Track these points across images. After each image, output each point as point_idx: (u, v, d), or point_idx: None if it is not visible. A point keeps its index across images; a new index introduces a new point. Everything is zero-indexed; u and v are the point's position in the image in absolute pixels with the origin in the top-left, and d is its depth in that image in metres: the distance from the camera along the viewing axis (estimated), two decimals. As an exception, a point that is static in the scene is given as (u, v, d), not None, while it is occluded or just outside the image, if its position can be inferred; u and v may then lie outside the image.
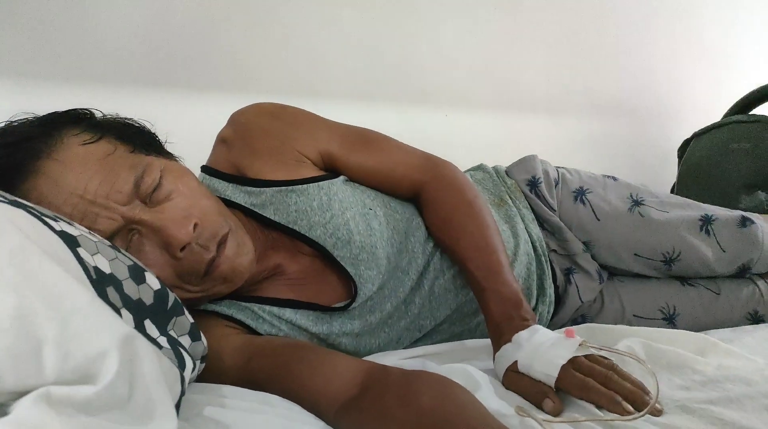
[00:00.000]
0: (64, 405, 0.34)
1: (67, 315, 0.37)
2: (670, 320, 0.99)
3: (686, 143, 1.75)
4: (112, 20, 1.20)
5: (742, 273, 1.00)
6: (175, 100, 1.27)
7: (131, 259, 0.56)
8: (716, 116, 1.76)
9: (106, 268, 0.51)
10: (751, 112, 1.72)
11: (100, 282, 0.49)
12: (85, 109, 0.72)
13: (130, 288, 0.53)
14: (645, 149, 1.97)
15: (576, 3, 1.82)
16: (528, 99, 1.75)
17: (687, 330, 0.96)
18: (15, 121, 0.68)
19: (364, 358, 0.77)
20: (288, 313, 0.78)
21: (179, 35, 1.27)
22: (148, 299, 0.54)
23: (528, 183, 1.04)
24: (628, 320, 0.99)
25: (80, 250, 0.50)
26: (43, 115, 0.69)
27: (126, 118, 0.75)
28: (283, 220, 0.80)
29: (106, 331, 0.38)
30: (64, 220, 0.54)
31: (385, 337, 0.83)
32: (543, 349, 0.67)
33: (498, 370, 0.71)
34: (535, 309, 0.95)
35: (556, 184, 1.05)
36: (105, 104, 0.77)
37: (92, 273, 0.49)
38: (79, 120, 0.69)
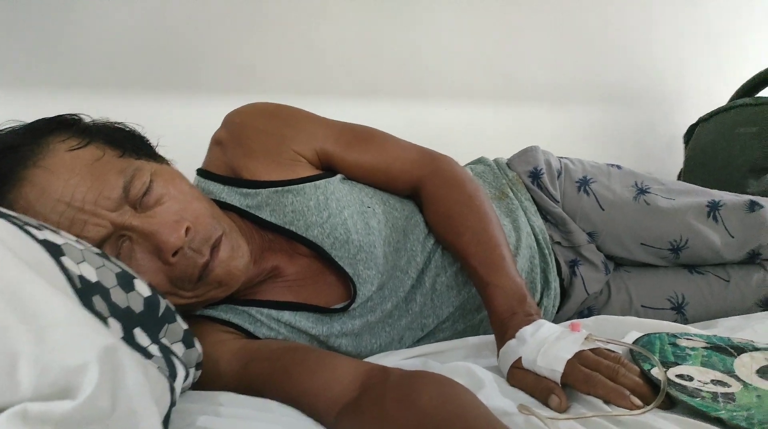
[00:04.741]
0: (42, 422, 0.33)
1: (44, 328, 0.36)
2: (678, 309, 0.97)
3: (692, 129, 1.72)
4: (103, 24, 1.19)
5: (752, 259, 0.98)
6: (170, 103, 1.26)
7: (119, 266, 0.55)
8: (722, 100, 1.73)
9: (92, 276, 0.50)
10: (757, 95, 1.69)
11: (86, 291, 0.48)
12: (73, 115, 0.71)
13: (118, 296, 0.51)
14: (650, 136, 1.94)
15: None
16: (529, 89, 1.72)
17: (697, 318, 0.95)
18: (1, 130, 0.67)
19: (365, 360, 0.75)
20: (287, 315, 0.77)
21: (173, 37, 1.26)
22: (138, 307, 0.53)
23: (530, 174, 1.02)
24: (636, 311, 0.97)
25: (64, 259, 0.48)
26: (30, 123, 0.68)
27: (116, 123, 0.74)
28: (280, 221, 0.79)
29: (87, 342, 0.37)
30: (49, 229, 0.53)
31: (386, 336, 0.81)
32: (548, 344, 0.66)
33: (502, 367, 0.69)
34: (540, 303, 0.93)
35: (559, 174, 1.03)
36: (99, 108, 0.76)
37: (77, 282, 0.47)
38: (66, 126, 0.68)
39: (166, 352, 0.53)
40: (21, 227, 0.48)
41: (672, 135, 1.85)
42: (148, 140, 0.76)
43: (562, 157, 1.07)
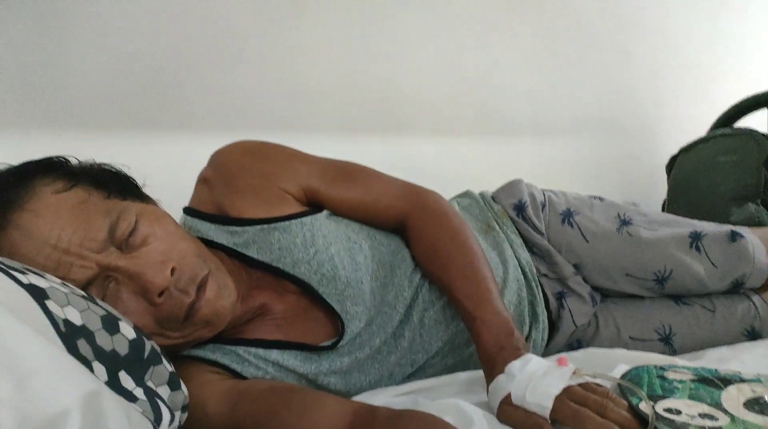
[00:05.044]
0: (22, 473, 0.32)
1: (25, 375, 0.36)
2: (666, 341, 0.97)
3: (674, 159, 1.76)
4: (90, 65, 1.20)
5: (736, 288, 0.99)
6: (156, 142, 1.27)
7: (105, 309, 0.55)
8: (701, 130, 1.77)
9: (77, 319, 0.50)
10: (735, 125, 1.73)
11: (70, 335, 0.47)
12: (60, 157, 0.71)
13: (102, 339, 0.51)
14: (633, 166, 1.97)
15: (554, 25, 1.84)
16: (512, 123, 1.76)
17: (685, 349, 0.95)
18: (-12, 173, 0.67)
19: (354, 398, 0.75)
20: (274, 354, 0.77)
21: (158, 77, 1.27)
22: (123, 349, 0.53)
23: (514, 207, 1.03)
24: (625, 342, 0.97)
25: (49, 303, 0.48)
26: (17, 165, 0.69)
27: (102, 164, 0.74)
28: (267, 258, 0.79)
29: (68, 389, 0.37)
30: (34, 273, 0.53)
31: (375, 373, 0.81)
32: (536, 379, 0.65)
33: (492, 404, 0.69)
34: (528, 336, 0.93)
35: (543, 207, 1.04)
36: (86, 148, 0.76)
37: (61, 326, 0.47)
38: (52, 168, 0.68)
39: (151, 395, 0.52)
40: (6, 272, 0.48)
41: (655, 164, 1.88)
42: (134, 180, 0.76)
43: (545, 190, 1.09)
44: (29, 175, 0.66)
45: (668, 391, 0.68)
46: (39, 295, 0.48)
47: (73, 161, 0.72)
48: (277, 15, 1.40)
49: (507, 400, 0.66)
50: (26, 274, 0.51)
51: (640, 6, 2.01)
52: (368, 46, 1.54)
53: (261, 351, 0.77)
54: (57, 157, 0.71)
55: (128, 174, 0.76)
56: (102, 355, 0.50)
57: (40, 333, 0.41)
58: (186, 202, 0.87)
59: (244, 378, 0.76)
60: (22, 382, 0.35)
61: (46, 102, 1.16)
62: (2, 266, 0.49)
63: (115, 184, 0.71)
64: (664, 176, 1.77)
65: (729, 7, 2.21)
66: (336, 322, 0.80)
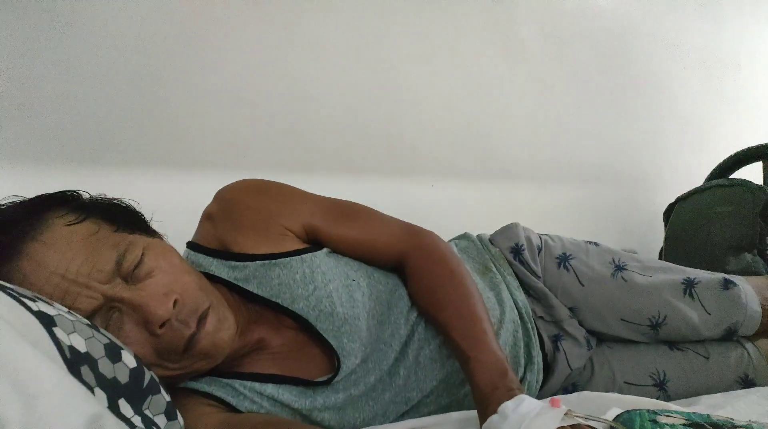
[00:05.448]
0: (25, 490, 0.34)
1: (33, 397, 0.37)
2: (660, 386, 0.97)
3: (671, 207, 1.78)
4: (98, 102, 1.24)
5: (730, 336, 1.00)
6: (164, 178, 1.30)
7: (108, 338, 0.57)
8: (698, 180, 1.80)
9: (81, 346, 0.52)
10: (731, 176, 1.76)
11: (74, 361, 0.49)
12: (73, 191, 0.74)
13: (105, 366, 0.53)
14: (630, 214, 2.00)
15: (553, 76, 1.90)
16: (512, 168, 1.80)
17: (679, 395, 0.96)
18: (3, 204, 0.70)
19: (348, 435, 0.75)
20: (270, 388, 0.78)
21: (167, 115, 1.31)
22: (124, 378, 0.54)
23: (511, 250, 1.05)
24: (620, 387, 0.98)
25: (56, 330, 0.50)
26: (31, 198, 0.71)
27: (112, 199, 0.77)
28: (266, 293, 0.81)
29: (74, 412, 0.38)
30: (43, 300, 0.55)
31: (369, 410, 0.81)
32: (528, 419, 0.66)
33: (484, 444, 0.69)
34: (523, 378, 0.93)
35: (539, 250, 1.06)
36: (98, 184, 0.79)
37: (67, 352, 0.49)
38: (65, 202, 0.71)
39: (148, 424, 0.53)
40: (17, 299, 0.50)
41: (652, 213, 1.91)
42: (142, 215, 0.79)
43: (542, 234, 1.11)
44: (43, 208, 0.68)
45: (659, 435, 0.68)
46: (47, 321, 0.50)
47: (85, 195, 0.75)
48: (283, 58, 1.46)
49: (499, 441, 0.67)
50: (36, 301, 0.53)
51: (638, 60, 2.08)
52: (372, 91, 1.59)
53: (257, 385, 0.77)
54: (69, 191, 0.74)
55: (137, 209, 0.79)
56: (103, 382, 0.51)
57: (47, 357, 0.43)
58: (191, 237, 0.89)
59: (238, 411, 0.76)
60: (30, 402, 0.37)
61: (57, 137, 1.19)
62: (14, 293, 0.51)
63: (124, 218, 0.73)
64: (662, 225, 1.79)
65: (723, 64, 2.28)
66: (332, 358, 0.81)
